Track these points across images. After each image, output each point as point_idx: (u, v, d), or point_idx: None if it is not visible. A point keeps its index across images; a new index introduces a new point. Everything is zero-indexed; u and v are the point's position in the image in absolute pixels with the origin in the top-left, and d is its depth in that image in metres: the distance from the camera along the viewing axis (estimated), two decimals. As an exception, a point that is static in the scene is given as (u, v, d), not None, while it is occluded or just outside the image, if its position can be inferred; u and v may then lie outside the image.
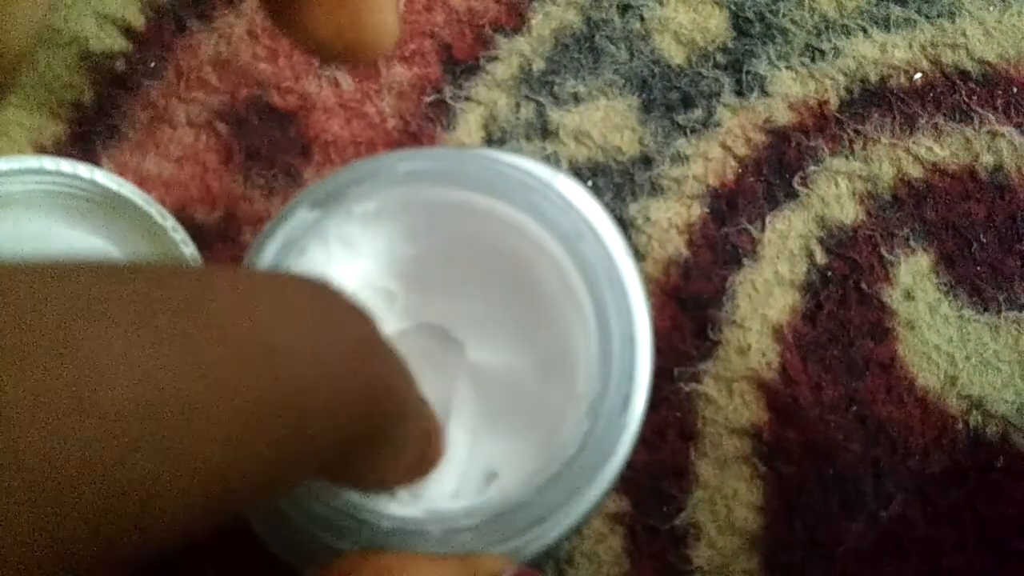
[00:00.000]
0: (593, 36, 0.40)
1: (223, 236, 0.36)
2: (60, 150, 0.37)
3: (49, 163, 0.34)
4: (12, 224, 0.34)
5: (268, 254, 0.25)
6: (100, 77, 0.38)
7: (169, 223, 0.33)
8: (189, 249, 0.33)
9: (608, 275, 0.25)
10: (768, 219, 0.38)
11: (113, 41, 0.39)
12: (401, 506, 0.24)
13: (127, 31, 0.39)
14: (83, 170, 0.34)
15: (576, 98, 0.39)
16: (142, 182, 0.36)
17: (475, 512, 0.24)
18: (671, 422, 0.35)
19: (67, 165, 0.34)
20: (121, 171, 0.37)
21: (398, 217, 0.28)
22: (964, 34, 0.40)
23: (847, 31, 0.40)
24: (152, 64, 0.39)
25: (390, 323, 0.30)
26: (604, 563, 0.34)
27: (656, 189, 0.38)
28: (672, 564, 0.34)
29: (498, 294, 0.29)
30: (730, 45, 0.40)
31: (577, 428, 0.24)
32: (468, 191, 0.26)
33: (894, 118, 0.39)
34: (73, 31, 0.39)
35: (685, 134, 0.39)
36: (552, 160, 0.38)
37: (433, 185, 0.26)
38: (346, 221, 0.27)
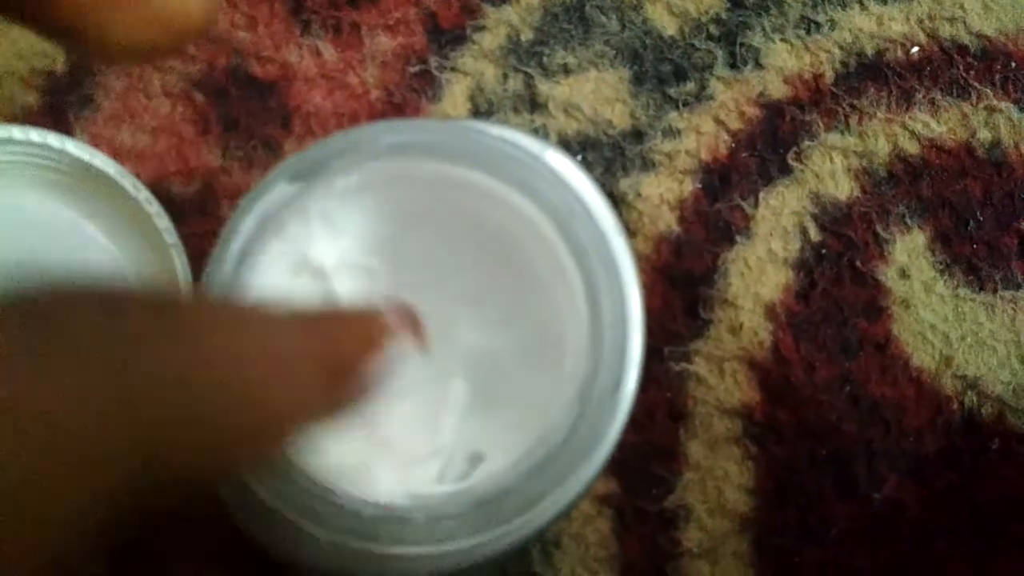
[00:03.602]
0: (583, 5, 0.38)
1: (200, 209, 0.35)
2: (32, 120, 0.36)
3: (18, 133, 0.33)
4: (-20, 196, 0.33)
5: (244, 230, 0.24)
6: (72, 45, 0.37)
7: (143, 195, 0.32)
8: (163, 222, 0.32)
9: (600, 254, 0.24)
10: (761, 195, 0.37)
11: (86, 7, 0.37)
12: (384, 492, 0.23)
13: (100, -3, 0.38)
14: (53, 140, 0.33)
15: (566, 69, 0.38)
16: (116, 154, 0.35)
17: (461, 499, 0.23)
18: (661, 403, 0.35)
19: (36, 135, 0.33)
20: (95, 142, 0.35)
21: (381, 192, 0.27)
22: (962, 7, 0.39)
23: (843, 3, 0.39)
24: (127, 31, 0.37)
25: (373, 302, 0.29)
26: (592, 545, 0.33)
27: (647, 164, 0.37)
28: (661, 546, 0.33)
29: (486, 272, 0.28)
30: (724, 16, 0.39)
31: (567, 412, 0.24)
32: (455, 165, 0.25)
33: (890, 92, 0.38)
34: (45, -3, 0.37)
35: (677, 107, 0.38)
36: (541, 133, 0.37)
37: (418, 158, 0.25)
38: (327, 196, 0.25)
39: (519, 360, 0.28)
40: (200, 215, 0.35)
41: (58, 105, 0.36)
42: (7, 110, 0.36)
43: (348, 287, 0.28)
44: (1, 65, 0.37)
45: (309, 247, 0.26)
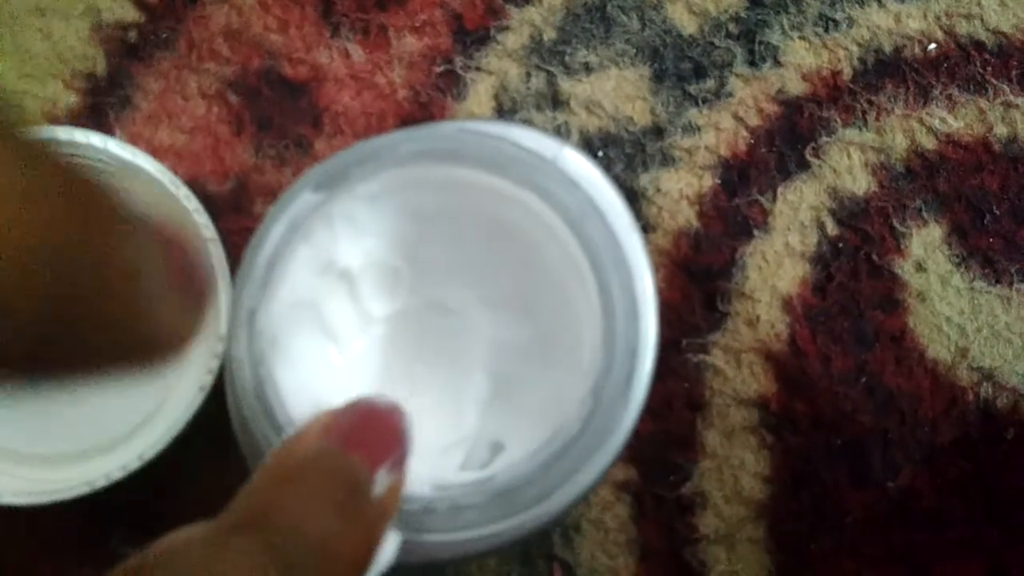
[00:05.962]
0: (604, 5, 0.39)
1: (235, 207, 0.37)
2: (73, 121, 0.38)
3: (63, 133, 0.34)
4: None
5: (272, 238, 0.26)
6: (113, 48, 0.39)
7: (182, 192, 0.34)
8: (202, 218, 0.34)
9: (612, 255, 0.25)
10: (779, 190, 0.38)
11: (126, 12, 0.39)
12: (411, 481, 0.24)
13: (140, 2, 0.39)
14: (96, 140, 0.34)
15: (587, 68, 0.39)
16: (154, 153, 0.37)
17: (480, 489, 0.24)
18: (679, 393, 0.36)
19: (81, 135, 0.34)
20: (134, 142, 0.37)
21: (402, 196, 0.28)
22: (979, 4, 0.40)
23: (861, 1, 0.40)
24: (164, 35, 0.39)
25: (398, 299, 0.30)
26: (611, 530, 0.34)
27: (667, 160, 0.38)
28: (678, 532, 0.34)
29: (504, 270, 0.29)
30: (743, 15, 0.39)
31: (582, 405, 0.25)
32: (471, 169, 0.26)
33: (908, 89, 0.39)
34: (87, 2, 0.39)
35: (697, 104, 0.38)
36: (563, 130, 0.38)
37: (436, 164, 0.26)
38: (350, 202, 0.27)
39: (537, 354, 0.29)
40: (235, 212, 0.37)
41: (99, 106, 0.38)
42: (51, 111, 0.38)
43: (373, 286, 0.29)
44: (44, 68, 0.38)
45: (335, 250, 0.28)
